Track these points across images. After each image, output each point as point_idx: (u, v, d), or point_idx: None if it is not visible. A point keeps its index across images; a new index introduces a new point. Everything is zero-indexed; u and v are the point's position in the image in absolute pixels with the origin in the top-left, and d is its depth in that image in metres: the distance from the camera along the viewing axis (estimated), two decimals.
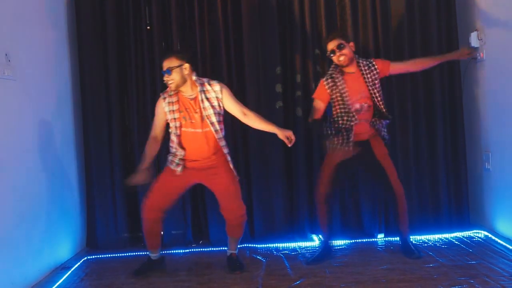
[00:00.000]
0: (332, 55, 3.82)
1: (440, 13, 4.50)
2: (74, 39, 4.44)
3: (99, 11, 4.44)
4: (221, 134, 3.59)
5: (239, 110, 3.63)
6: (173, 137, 3.62)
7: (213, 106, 3.55)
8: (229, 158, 3.63)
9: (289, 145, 3.60)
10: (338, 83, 3.80)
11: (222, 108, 3.61)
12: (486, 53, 4.26)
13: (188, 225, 4.48)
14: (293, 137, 3.55)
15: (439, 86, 4.50)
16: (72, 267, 3.93)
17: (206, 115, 3.54)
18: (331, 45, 3.81)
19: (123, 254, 4.27)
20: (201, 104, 3.54)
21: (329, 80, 3.84)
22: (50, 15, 4.09)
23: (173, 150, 3.64)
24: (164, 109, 3.59)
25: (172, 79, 3.50)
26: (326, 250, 3.97)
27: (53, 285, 3.53)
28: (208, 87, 3.58)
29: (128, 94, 4.49)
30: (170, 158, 3.65)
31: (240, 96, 4.45)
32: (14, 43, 3.40)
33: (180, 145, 3.59)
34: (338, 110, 3.83)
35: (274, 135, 4.42)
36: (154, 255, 3.79)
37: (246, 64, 4.43)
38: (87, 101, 4.42)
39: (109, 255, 4.24)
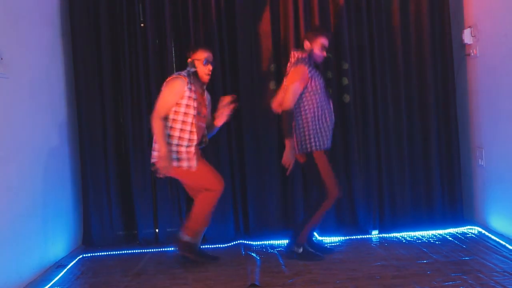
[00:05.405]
0: (324, 51, 3.81)
1: (433, 9, 4.51)
2: (68, 36, 4.42)
3: (92, 9, 4.42)
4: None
5: None
6: (182, 126, 3.57)
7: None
8: None
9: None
10: (315, 74, 3.74)
11: None
12: (479, 50, 4.28)
13: (183, 222, 4.48)
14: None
15: (433, 83, 4.51)
16: (67, 265, 3.92)
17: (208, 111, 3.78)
18: (327, 42, 3.81)
19: (118, 252, 4.27)
20: (206, 101, 3.77)
21: (310, 68, 3.72)
22: (43, 12, 4.07)
23: (185, 142, 3.58)
24: (185, 93, 3.54)
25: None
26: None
27: (49, 283, 3.53)
28: None
29: (122, 92, 4.47)
30: (183, 149, 3.58)
31: (234, 93, 4.46)
32: (7, 40, 3.38)
33: (194, 134, 3.59)
34: (316, 104, 3.70)
35: (270, 132, 4.45)
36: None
37: (239, 61, 4.44)
38: (81, 99, 4.41)
39: (105, 253, 4.24)
